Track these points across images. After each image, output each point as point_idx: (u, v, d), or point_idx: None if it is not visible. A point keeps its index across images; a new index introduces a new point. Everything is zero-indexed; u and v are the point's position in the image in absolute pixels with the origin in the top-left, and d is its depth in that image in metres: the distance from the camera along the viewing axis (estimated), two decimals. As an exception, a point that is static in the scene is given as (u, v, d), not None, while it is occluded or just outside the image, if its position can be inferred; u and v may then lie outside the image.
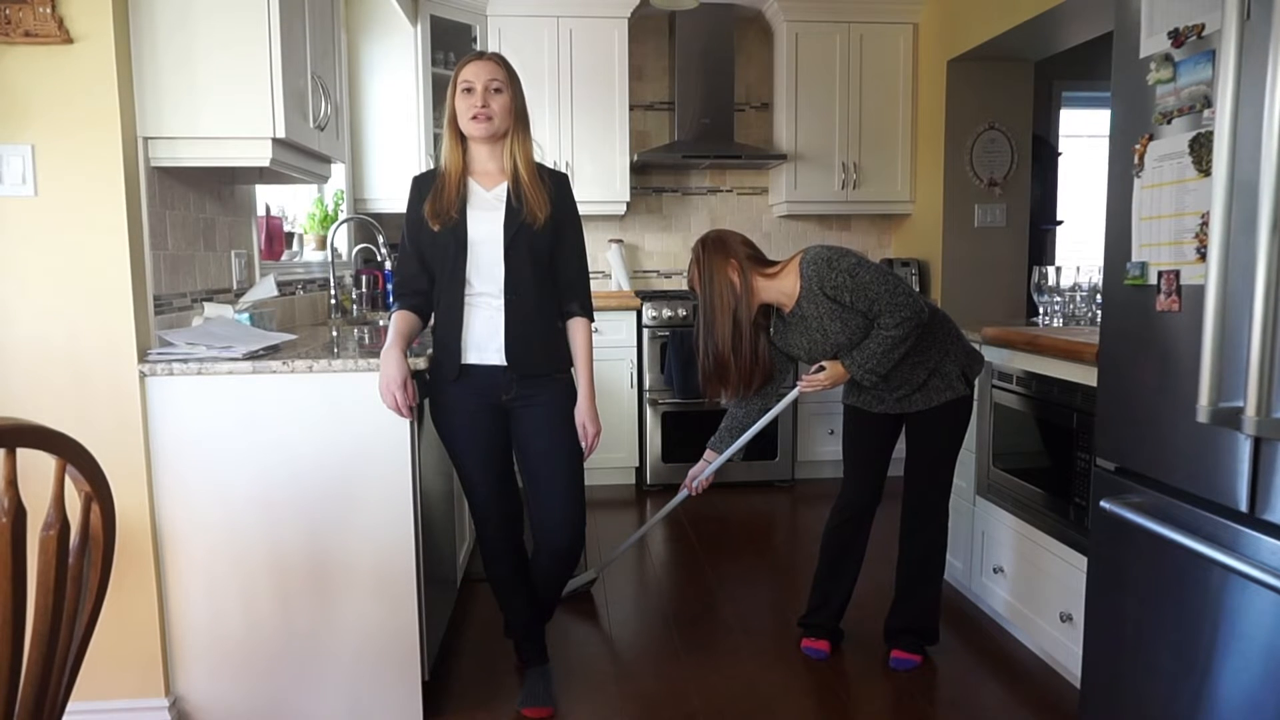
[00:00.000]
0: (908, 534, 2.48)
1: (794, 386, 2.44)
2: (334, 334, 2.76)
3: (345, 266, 3.74)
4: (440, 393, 2.12)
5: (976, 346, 2.73)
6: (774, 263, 2.35)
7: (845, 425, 2.54)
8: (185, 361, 1.99)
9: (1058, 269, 2.77)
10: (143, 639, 2.06)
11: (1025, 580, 2.54)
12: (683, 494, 2.69)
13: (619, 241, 4.74)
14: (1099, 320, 2.21)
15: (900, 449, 2.47)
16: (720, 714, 2.23)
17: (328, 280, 3.46)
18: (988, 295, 4.29)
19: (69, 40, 1.89)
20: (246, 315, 2.36)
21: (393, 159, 3.99)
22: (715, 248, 2.31)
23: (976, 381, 2.74)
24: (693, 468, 2.64)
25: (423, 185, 2.10)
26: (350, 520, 2.08)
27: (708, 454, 2.61)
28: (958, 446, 2.43)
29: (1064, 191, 5.16)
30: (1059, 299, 2.75)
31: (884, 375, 2.27)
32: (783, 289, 2.30)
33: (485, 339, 2.07)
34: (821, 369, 2.32)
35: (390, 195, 3.99)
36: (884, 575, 2.70)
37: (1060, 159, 5.12)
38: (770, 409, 2.50)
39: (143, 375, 2.00)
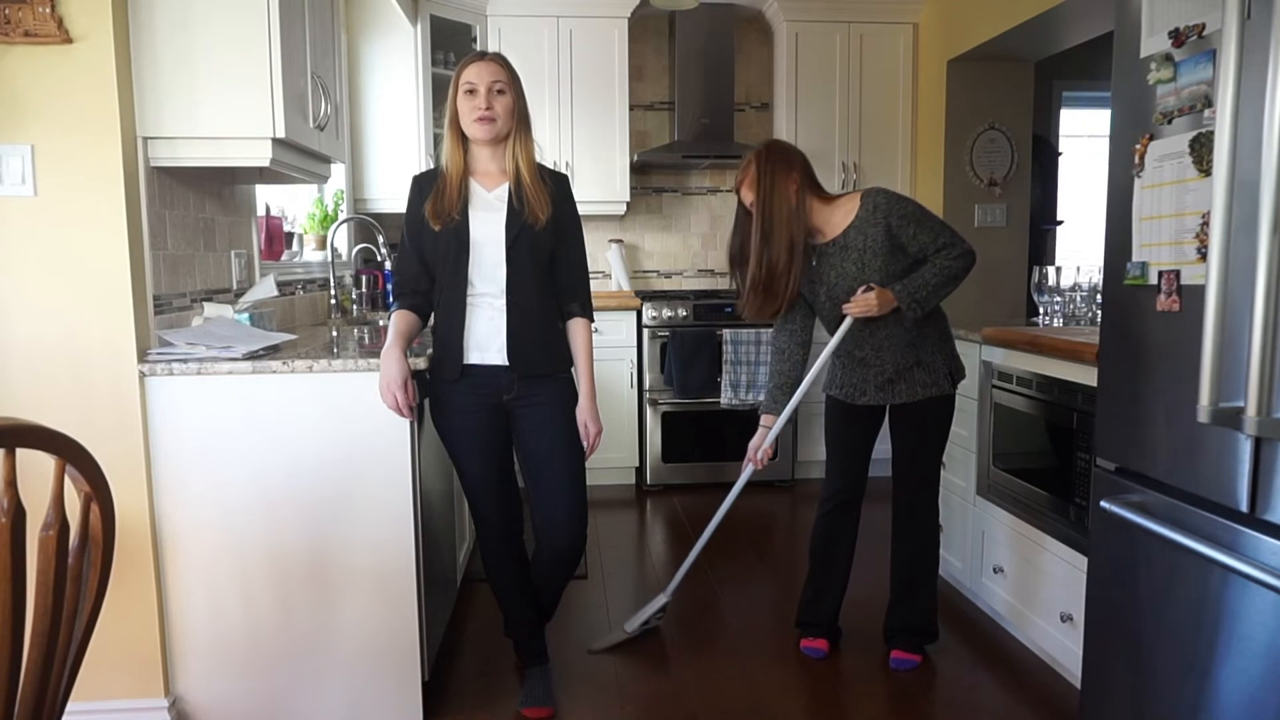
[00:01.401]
0: (900, 536, 2.48)
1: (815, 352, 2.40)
2: (334, 334, 2.76)
3: (345, 266, 3.74)
4: (440, 393, 2.12)
5: (976, 346, 2.75)
6: (826, 191, 2.34)
7: (828, 417, 2.52)
8: (185, 361, 1.99)
9: (1058, 269, 2.77)
10: (142, 639, 2.06)
11: (1025, 580, 2.54)
12: (749, 469, 2.50)
13: (619, 241, 4.74)
14: (1099, 320, 2.21)
15: (887, 450, 2.47)
16: (720, 714, 2.23)
17: (328, 280, 3.46)
18: (988, 295, 4.29)
19: (69, 40, 1.89)
20: (246, 315, 2.36)
21: (393, 159, 3.99)
22: (779, 158, 2.27)
23: (977, 382, 2.75)
24: (752, 439, 2.48)
25: (423, 185, 2.10)
26: (350, 520, 2.08)
27: (765, 419, 2.46)
28: (943, 445, 2.43)
29: (1064, 191, 5.16)
30: (1059, 299, 2.75)
31: (928, 311, 2.25)
32: (829, 218, 2.29)
33: (487, 339, 2.07)
34: (870, 289, 2.24)
35: (390, 195, 3.99)
36: (882, 575, 2.69)
37: (1060, 159, 5.12)
38: (815, 358, 2.40)
39: (143, 375, 2.00)
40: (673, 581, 2.67)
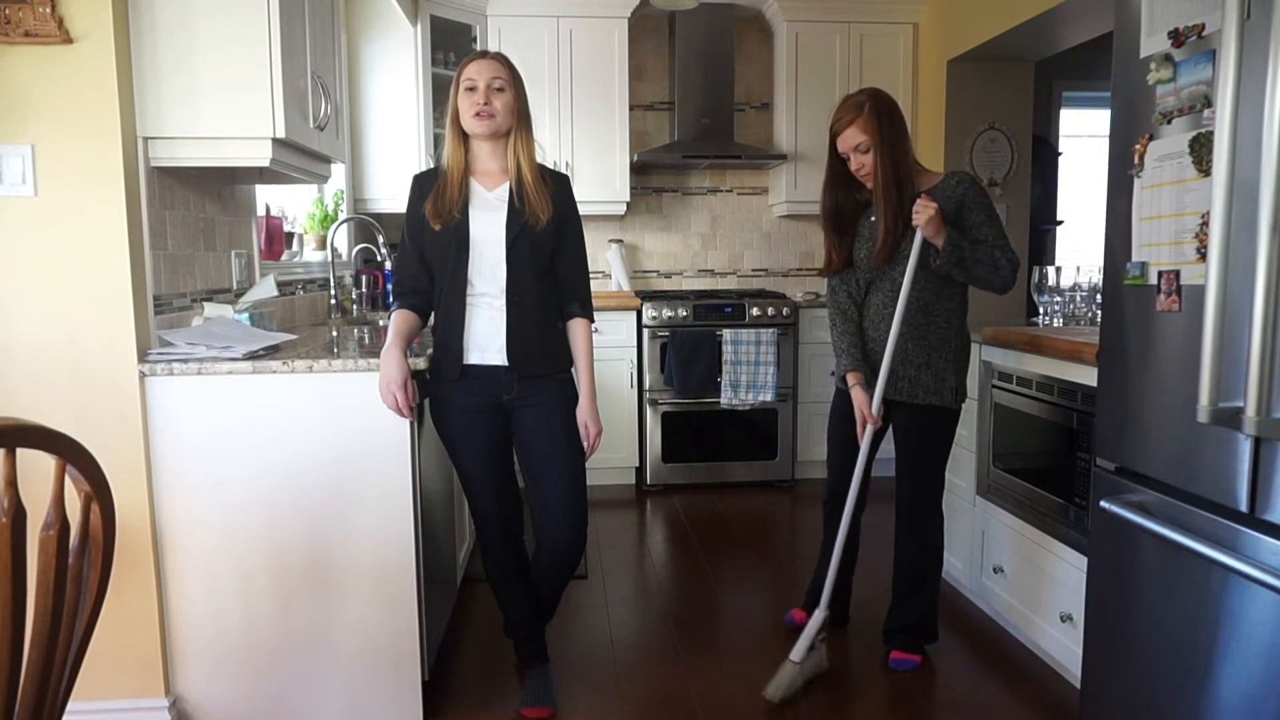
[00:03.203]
0: (901, 539, 2.49)
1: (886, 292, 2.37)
2: (334, 334, 2.76)
3: (345, 266, 3.74)
4: (440, 393, 2.12)
5: (976, 346, 2.74)
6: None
7: (833, 413, 2.52)
8: (185, 361, 1.99)
9: (1058, 269, 2.77)
10: (143, 639, 2.06)
11: (1025, 580, 2.54)
12: (871, 430, 2.38)
13: (619, 241, 4.74)
14: (1099, 320, 2.21)
15: (890, 449, 2.46)
16: (720, 714, 2.23)
17: (328, 280, 3.46)
18: (988, 295, 4.27)
19: (69, 40, 1.89)
20: (246, 315, 2.36)
21: (393, 159, 3.99)
22: (894, 107, 2.28)
23: (977, 382, 2.75)
24: (857, 402, 2.36)
25: (424, 184, 2.10)
26: (350, 520, 2.08)
27: (852, 377, 2.37)
28: (943, 456, 2.42)
29: (1064, 191, 5.16)
30: (1059, 299, 2.75)
31: (954, 272, 2.26)
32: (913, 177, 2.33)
33: (487, 339, 2.07)
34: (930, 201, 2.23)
35: (390, 195, 3.99)
36: (883, 575, 2.69)
37: (1060, 159, 5.12)
38: (889, 298, 2.34)
39: (143, 375, 2.00)
40: (825, 592, 2.41)
